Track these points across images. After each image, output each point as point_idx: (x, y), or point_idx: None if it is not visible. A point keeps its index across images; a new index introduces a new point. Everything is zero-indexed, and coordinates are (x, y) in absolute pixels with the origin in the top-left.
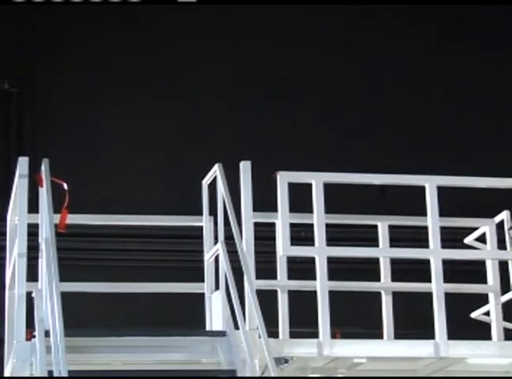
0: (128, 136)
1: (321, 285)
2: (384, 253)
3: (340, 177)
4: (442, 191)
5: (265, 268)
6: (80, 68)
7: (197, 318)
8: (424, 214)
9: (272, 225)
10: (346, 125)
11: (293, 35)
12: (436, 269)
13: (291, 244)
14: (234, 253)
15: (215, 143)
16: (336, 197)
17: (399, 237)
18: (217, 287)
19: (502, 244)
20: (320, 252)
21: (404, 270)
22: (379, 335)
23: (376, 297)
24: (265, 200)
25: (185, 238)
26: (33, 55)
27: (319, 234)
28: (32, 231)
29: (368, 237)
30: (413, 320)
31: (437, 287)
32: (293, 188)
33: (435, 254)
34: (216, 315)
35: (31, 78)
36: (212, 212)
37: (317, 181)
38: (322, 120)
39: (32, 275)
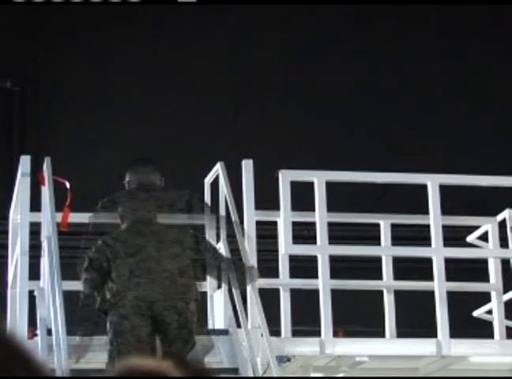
0: (129, 136)
1: (324, 283)
2: (386, 251)
3: (342, 175)
4: (444, 189)
5: (267, 267)
6: (81, 67)
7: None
8: (426, 212)
9: (275, 223)
10: (347, 124)
11: (294, 34)
12: (438, 268)
13: (294, 242)
14: (236, 252)
15: (217, 141)
16: (338, 196)
17: (401, 235)
18: (219, 286)
19: (504, 242)
20: (322, 250)
21: (406, 268)
22: (381, 334)
23: (378, 295)
24: (267, 199)
25: None
26: (35, 54)
27: (321, 233)
28: (34, 230)
29: (370, 235)
30: (415, 319)
31: (439, 286)
32: (295, 186)
33: (437, 253)
34: (218, 313)
35: (33, 77)
36: (214, 210)
37: (319, 179)
38: (324, 119)
39: (34, 273)
